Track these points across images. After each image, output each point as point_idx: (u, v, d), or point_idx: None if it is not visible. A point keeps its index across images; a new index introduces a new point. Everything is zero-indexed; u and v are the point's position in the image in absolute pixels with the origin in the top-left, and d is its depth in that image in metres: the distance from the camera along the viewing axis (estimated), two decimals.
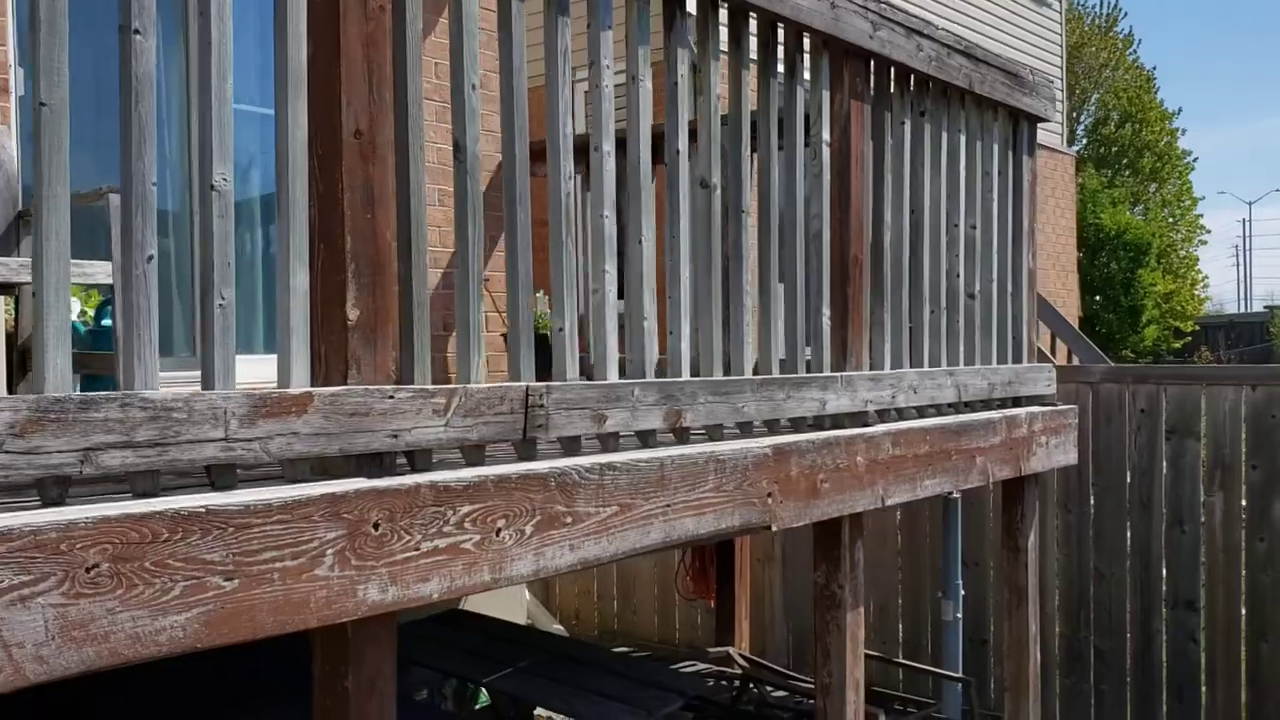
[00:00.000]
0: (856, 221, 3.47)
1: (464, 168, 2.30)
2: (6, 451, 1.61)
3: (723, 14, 2.96)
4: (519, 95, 2.41)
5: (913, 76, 3.75)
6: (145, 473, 1.80)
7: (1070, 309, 16.74)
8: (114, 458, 1.73)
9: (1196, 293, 37.34)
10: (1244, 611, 5.10)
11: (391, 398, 2.10)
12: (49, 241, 1.69)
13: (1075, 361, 9.54)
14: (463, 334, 2.33)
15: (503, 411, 2.31)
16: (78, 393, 1.70)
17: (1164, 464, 5.27)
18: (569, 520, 2.38)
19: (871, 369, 3.61)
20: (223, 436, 1.86)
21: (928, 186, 3.86)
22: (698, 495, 2.72)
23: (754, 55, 3.11)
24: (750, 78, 3.09)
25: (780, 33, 3.18)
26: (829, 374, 3.33)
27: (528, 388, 2.36)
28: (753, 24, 3.07)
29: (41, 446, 1.65)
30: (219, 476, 1.91)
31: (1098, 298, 28.36)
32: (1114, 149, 36.22)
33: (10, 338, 3.87)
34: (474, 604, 5.62)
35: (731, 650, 5.44)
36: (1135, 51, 38.05)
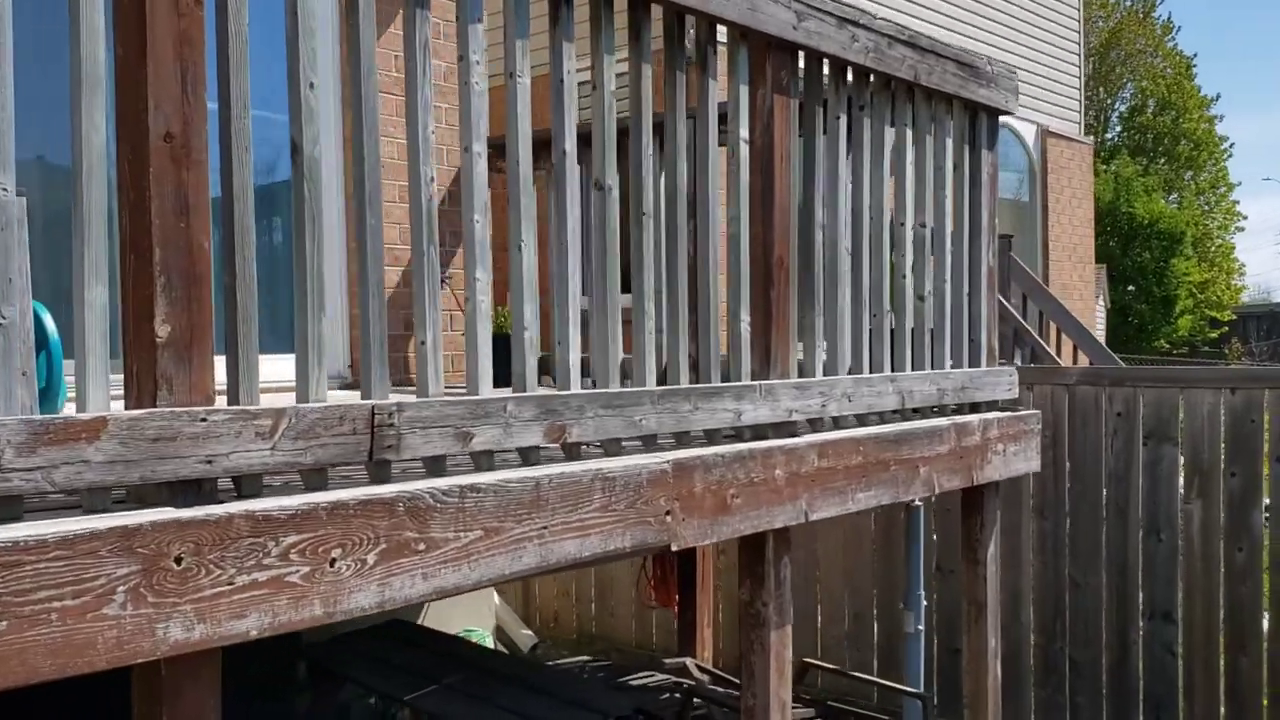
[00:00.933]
0: (781, 222, 3.30)
1: (300, 171, 2.16)
2: None
3: (619, 2, 2.79)
4: (368, 99, 2.26)
5: (850, 69, 3.57)
6: None
7: (1087, 301, 16.41)
8: None
9: (1234, 281, 36.73)
10: (1223, 623, 4.89)
11: (204, 420, 1.96)
12: None
13: (1084, 361, 9.26)
14: (301, 348, 2.19)
15: (344, 433, 2.16)
16: None
17: (1140, 470, 5.05)
18: (422, 547, 2.24)
19: (802, 376, 3.44)
20: None
21: (868, 184, 3.68)
22: (580, 516, 2.56)
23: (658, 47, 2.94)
24: (653, 71, 2.92)
25: (689, 25, 3.01)
26: (745, 383, 3.16)
27: (374, 406, 2.21)
28: (656, 13, 2.90)
29: None
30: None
31: (1130, 288, 27.91)
32: (1150, 136, 35.68)
33: None
34: (436, 609, 5.50)
35: (689, 661, 5.29)
36: (1174, 38, 37.48)
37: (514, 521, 2.41)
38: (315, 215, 2.18)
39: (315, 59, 2.17)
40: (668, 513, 2.79)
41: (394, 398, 2.32)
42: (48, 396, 2.74)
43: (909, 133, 3.85)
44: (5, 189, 1.79)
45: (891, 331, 3.85)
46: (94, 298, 1.89)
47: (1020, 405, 4.76)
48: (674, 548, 2.84)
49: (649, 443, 2.92)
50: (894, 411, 3.79)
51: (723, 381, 3.13)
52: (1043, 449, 5.08)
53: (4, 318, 1.79)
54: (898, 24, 3.72)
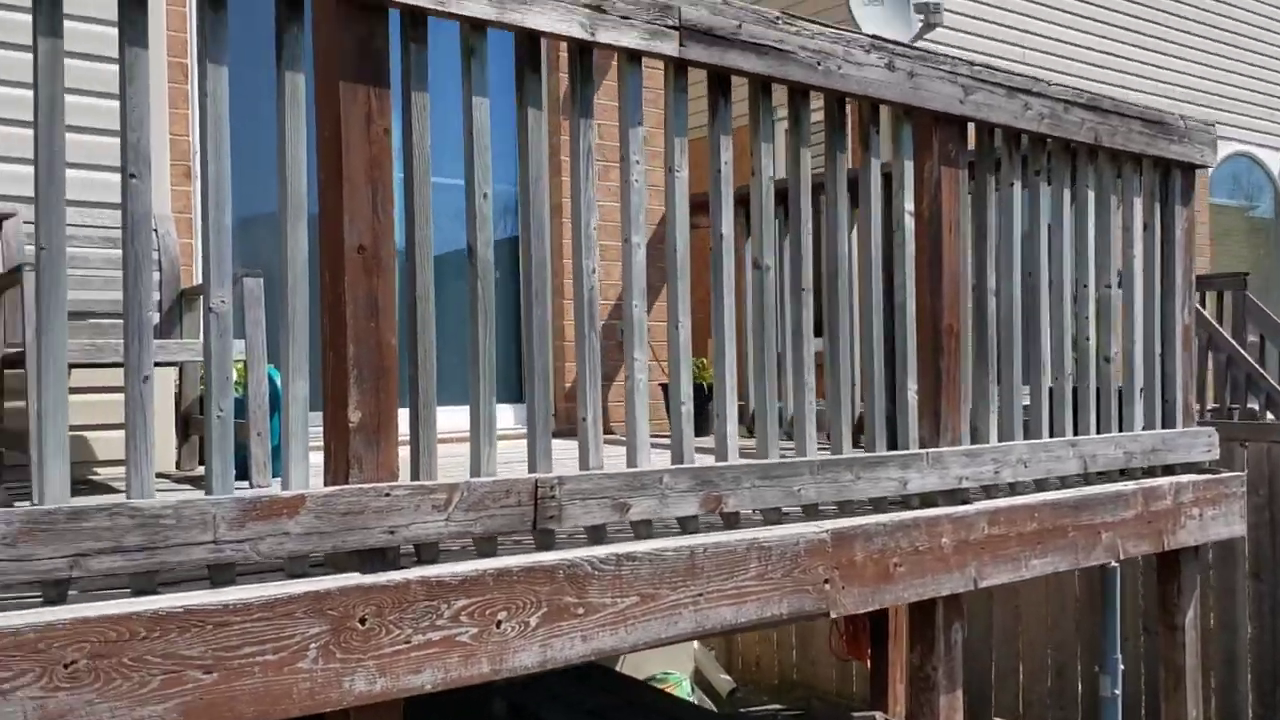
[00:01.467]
0: (951, 290, 3.35)
1: (475, 271, 2.41)
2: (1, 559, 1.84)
3: (778, 94, 2.95)
4: (536, 203, 2.50)
5: (1024, 136, 3.58)
6: (140, 574, 1.99)
7: None
8: (102, 562, 1.93)
9: None
10: None
11: (388, 495, 2.23)
12: (47, 370, 1.92)
13: None
14: (474, 426, 2.43)
15: (510, 504, 2.40)
16: (70, 503, 1.91)
17: None
18: (581, 611, 2.44)
19: (975, 442, 3.46)
20: (211, 540, 2.03)
21: (1046, 247, 3.67)
22: (736, 583, 2.71)
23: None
24: (813, 149, 3.06)
25: (849, 107, 3.13)
26: (912, 452, 3.22)
27: (537, 480, 2.44)
28: (816, 100, 3.03)
29: (32, 554, 1.87)
30: (214, 574, 2.09)
31: None
32: None
33: (177, 405, 4.30)
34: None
35: (879, 715, 5.29)
36: None
37: (669, 588, 2.58)
38: (488, 308, 2.43)
39: (488, 173, 2.43)
40: (826, 581, 2.90)
41: (556, 469, 2.54)
42: (278, 455, 3.11)
43: (1091, 194, 3.81)
44: (224, 300, 2.12)
45: (1075, 393, 3.81)
46: (298, 390, 2.20)
47: (1230, 464, 4.57)
48: (832, 615, 2.94)
49: (811, 511, 3.03)
50: (1079, 476, 3.74)
51: (888, 448, 3.21)
52: (1257, 509, 4.85)
53: (221, 410, 2.11)
54: (1074, 87, 3.70)
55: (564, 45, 2.73)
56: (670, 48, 2.65)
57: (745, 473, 2.82)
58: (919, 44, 8.84)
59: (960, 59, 3.35)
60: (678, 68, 2.73)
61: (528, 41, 2.48)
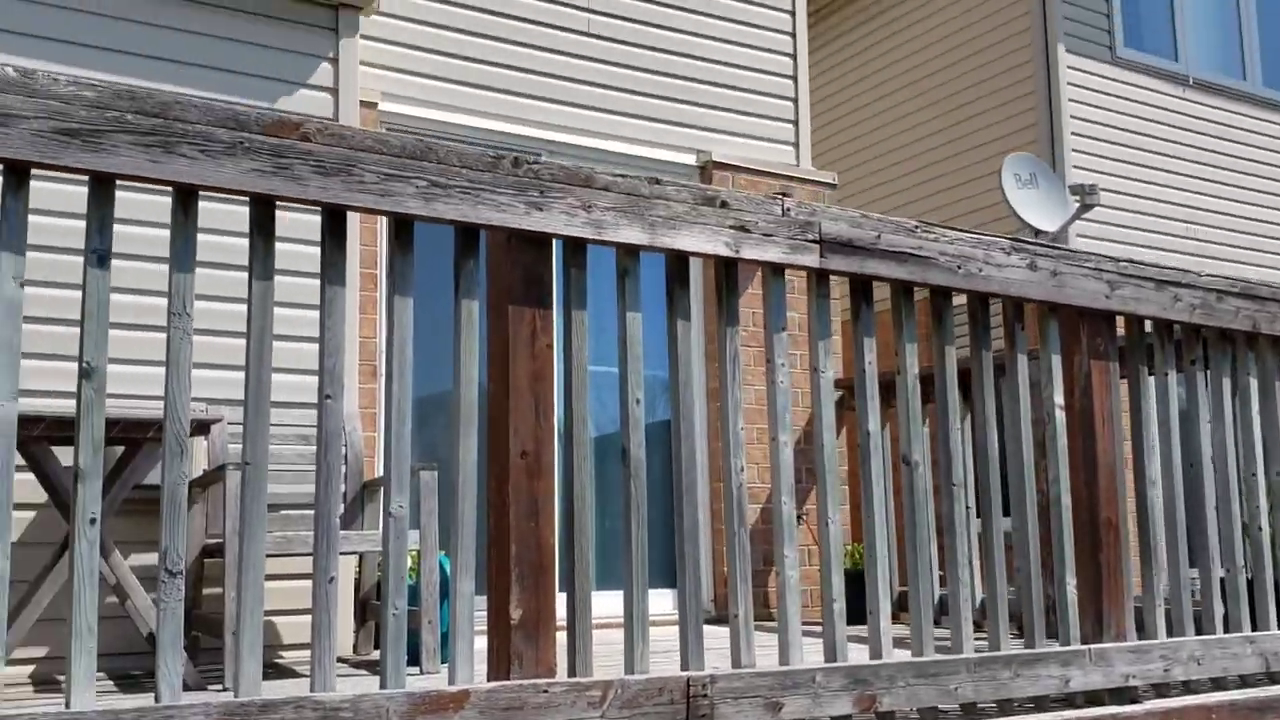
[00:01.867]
0: (1107, 483, 3.33)
1: (629, 470, 2.57)
2: None
3: (919, 295, 3.07)
4: (686, 406, 2.66)
5: (1177, 326, 3.59)
6: None
7: None
8: None
9: None
10: None
11: (545, 692, 2.34)
12: (246, 573, 2.14)
13: None
14: (627, 623, 2.54)
15: (663, 702, 2.47)
16: (261, 696, 2.10)
17: None
18: None
19: (1142, 637, 3.36)
20: None
21: (1209, 436, 3.62)
22: None
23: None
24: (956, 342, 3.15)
25: (993, 306, 3.22)
26: (1074, 648, 3.16)
27: (689, 678, 2.51)
28: (959, 300, 3.14)
29: None
30: None
31: None
32: None
33: (356, 590, 4.55)
34: None
35: None
36: None
37: None
38: (639, 505, 2.57)
39: (640, 379, 2.61)
40: None
41: (711, 660, 2.61)
42: (446, 641, 3.27)
43: (1253, 381, 3.76)
44: (401, 505, 2.32)
45: (1250, 585, 3.67)
46: (465, 588, 2.36)
47: None
48: None
49: (969, 709, 2.99)
50: (1261, 674, 3.57)
51: (1048, 643, 3.16)
52: None
53: (396, 609, 2.29)
54: (1227, 277, 3.71)
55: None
56: (811, 260, 2.82)
57: (900, 670, 2.82)
58: (1076, 224, 8.90)
59: (1105, 256, 3.42)
60: (819, 276, 2.89)
61: (676, 261, 2.69)
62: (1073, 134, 9.42)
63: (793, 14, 6.81)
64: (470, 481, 2.40)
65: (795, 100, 6.74)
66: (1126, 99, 9.52)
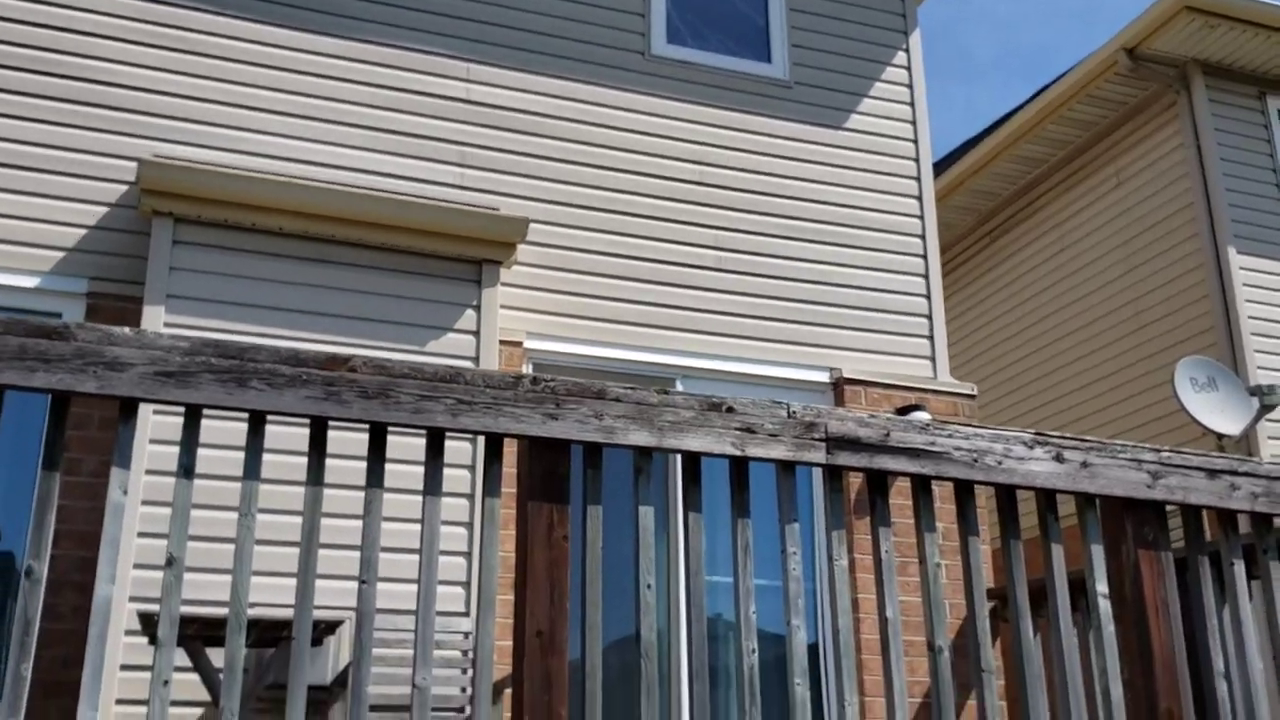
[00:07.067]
0: (1165, 676, 3.32)
1: (640, 651, 2.85)
2: None
3: (938, 490, 3.27)
4: (695, 593, 2.95)
5: (1239, 515, 3.59)
6: None
7: None
8: None
9: None
10: None
11: None
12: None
13: None
14: None
15: None
16: None
17: None
18: None
19: None
20: None
21: None
22: None
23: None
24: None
25: (1019, 497, 3.37)
26: None
27: None
28: (981, 492, 3.31)
29: None
30: None
31: None
32: None
33: None
34: None
35: None
36: None
37: None
38: (651, 687, 2.84)
39: (653, 566, 2.93)
40: None
41: None
42: None
43: None
44: (424, 679, 2.69)
45: None
46: None
47: None
48: None
49: None
50: None
51: None
52: None
53: None
54: None
55: None
56: (818, 456, 3.10)
57: None
58: (1265, 424, 8.61)
59: (1146, 446, 3.51)
60: (830, 471, 3.16)
61: (687, 460, 3.04)
62: (1253, 334, 9.23)
63: (923, 237, 7.19)
64: (487, 660, 2.75)
65: (930, 316, 7.03)
66: None
